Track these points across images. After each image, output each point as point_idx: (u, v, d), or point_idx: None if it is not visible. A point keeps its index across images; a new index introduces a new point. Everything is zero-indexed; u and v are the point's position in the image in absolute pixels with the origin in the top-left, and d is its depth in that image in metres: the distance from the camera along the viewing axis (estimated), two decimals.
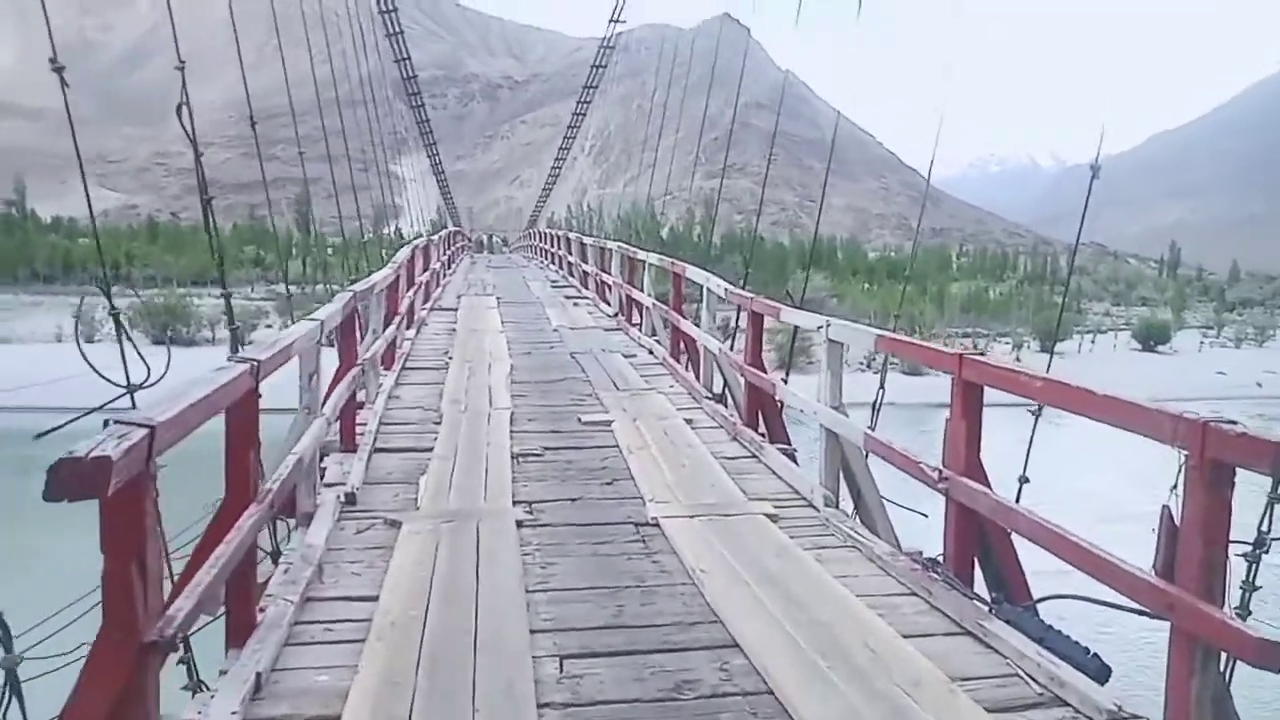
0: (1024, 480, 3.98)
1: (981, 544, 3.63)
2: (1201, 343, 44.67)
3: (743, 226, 71.69)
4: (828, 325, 4.81)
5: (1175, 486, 2.47)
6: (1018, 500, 3.55)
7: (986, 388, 3.50)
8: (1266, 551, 2.51)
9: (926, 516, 4.39)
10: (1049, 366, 5.12)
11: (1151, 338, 42.54)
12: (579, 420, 6.60)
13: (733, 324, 8.46)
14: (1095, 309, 54.56)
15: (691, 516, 4.51)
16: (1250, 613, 2.58)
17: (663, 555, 4.06)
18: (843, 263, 63.05)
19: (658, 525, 4.40)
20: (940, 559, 3.73)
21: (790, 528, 4.46)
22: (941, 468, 3.67)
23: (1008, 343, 38.68)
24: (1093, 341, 41.67)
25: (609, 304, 13.52)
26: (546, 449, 5.78)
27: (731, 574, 3.78)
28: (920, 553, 4.59)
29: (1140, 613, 2.63)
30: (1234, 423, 2.31)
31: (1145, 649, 7.30)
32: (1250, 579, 2.57)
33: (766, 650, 3.09)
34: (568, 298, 15.99)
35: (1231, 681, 2.49)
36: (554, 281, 19.74)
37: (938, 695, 2.80)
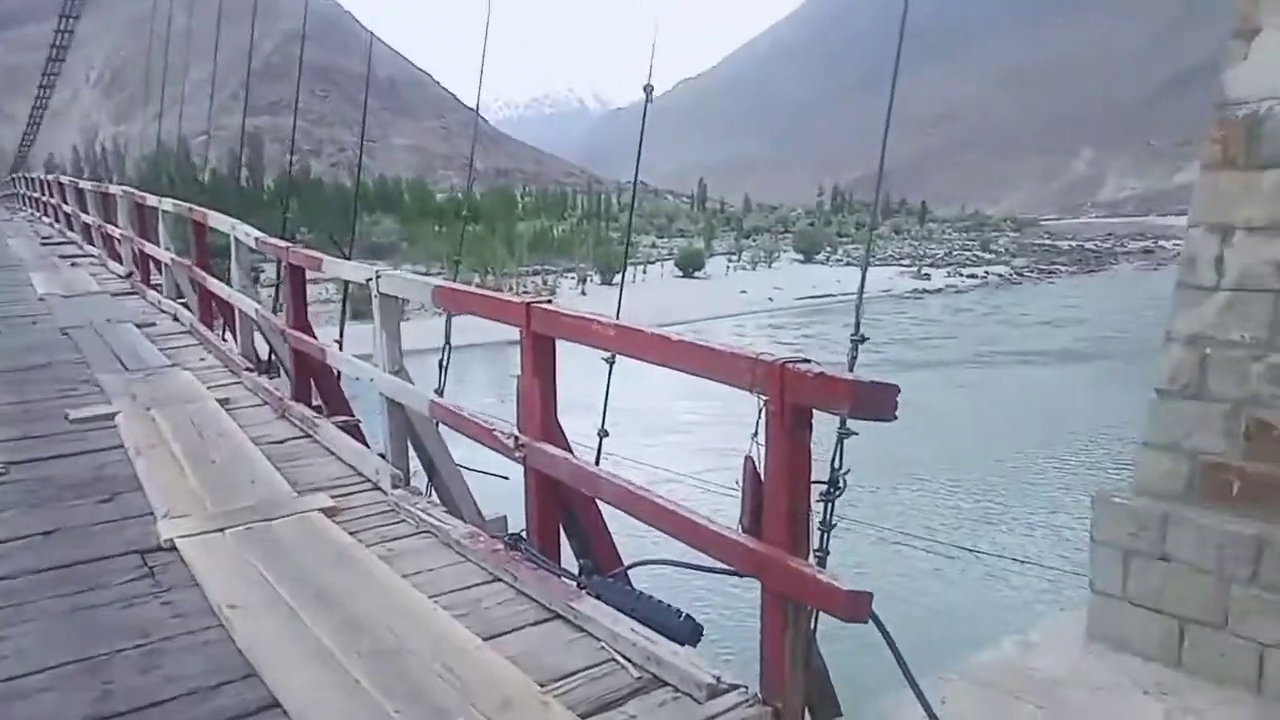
0: (603, 434, 3.74)
1: (566, 511, 3.29)
2: (728, 267, 51.47)
3: (298, 168, 66.30)
4: (377, 277, 4.09)
5: (755, 434, 2.26)
6: (597, 463, 3.27)
7: (559, 339, 3.13)
8: (841, 491, 2.44)
9: (508, 479, 3.98)
10: (620, 303, 4.99)
11: (690, 265, 47.95)
12: (66, 418, 5.10)
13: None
14: (643, 241, 60.10)
15: (222, 530, 3.57)
16: (828, 553, 2.51)
17: (179, 591, 3.11)
18: (411, 205, 61.56)
19: (174, 549, 3.40)
20: (524, 534, 3.32)
21: (352, 521, 3.76)
22: (518, 433, 3.23)
23: (574, 277, 40.90)
24: (644, 272, 45.77)
25: (120, 263, 11.22)
26: (11, 465, 4.32)
27: (273, 603, 2.98)
28: (504, 520, 4.19)
29: (732, 573, 2.43)
30: (808, 361, 2.13)
31: (738, 596, 7.73)
32: (827, 519, 2.50)
33: (316, 706, 2.40)
34: (64, 257, 13.09)
35: (816, 630, 2.40)
36: (46, 238, 16.19)
37: (530, 713, 2.37)
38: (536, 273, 41.00)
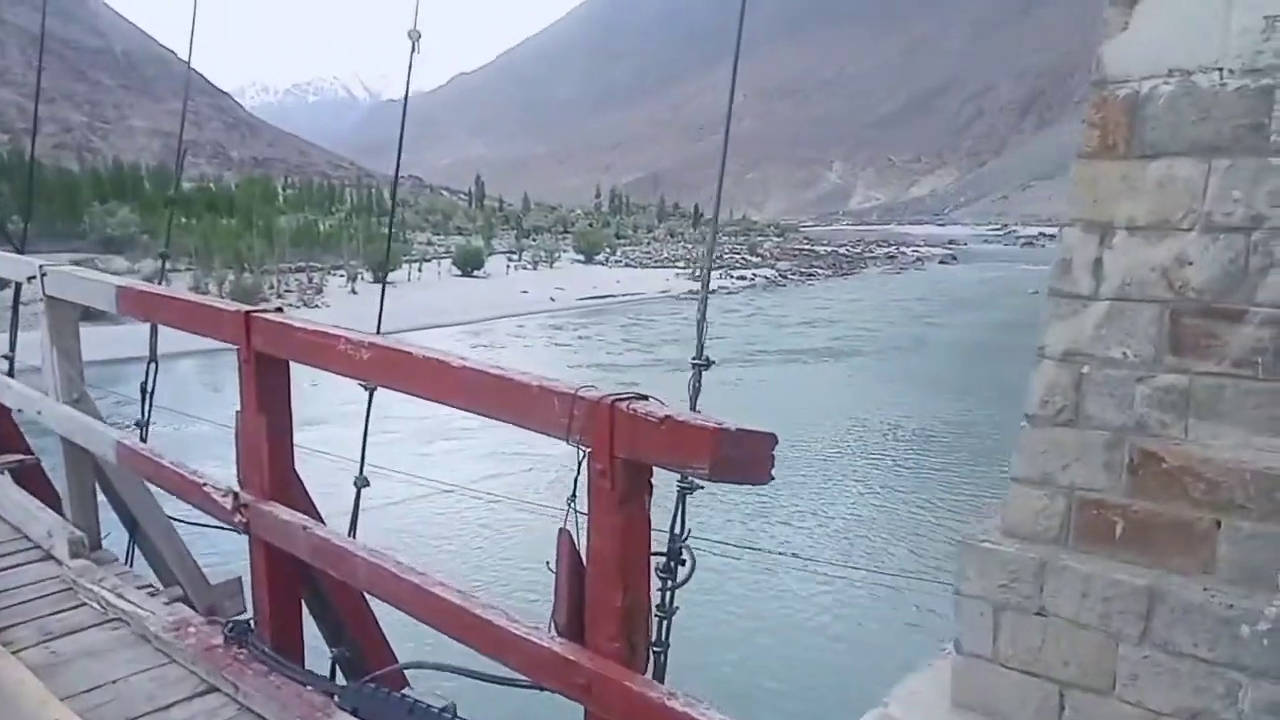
0: (362, 484, 2.95)
1: (310, 588, 2.48)
2: (508, 266, 50.54)
3: (9, 149, 57.71)
4: (42, 275, 3.04)
5: (573, 497, 1.62)
6: (353, 528, 2.50)
7: (294, 362, 2.31)
8: (687, 569, 1.85)
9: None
10: (381, 298, 4.16)
11: (469, 264, 46.55)
12: None
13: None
14: (419, 239, 57.77)
15: None
16: (668, 647, 1.92)
17: None
18: (153, 194, 55.28)
19: None
20: (253, 623, 2.47)
21: (6, 611, 2.73)
22: (238, 489, 2.38)
23: (343, 274, 38.35)
24: (419, 270, 43.87)
25: None
26: None
27: None
28: (239, 584, 3.29)
29: (542, 689, 1.76)
30: (645, 398, 1.52)
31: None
32: (667, 604, 1.90)
33: None
34: None
35: None
36: None
37: None
38: (301, 269, 37.99)
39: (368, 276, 39.49)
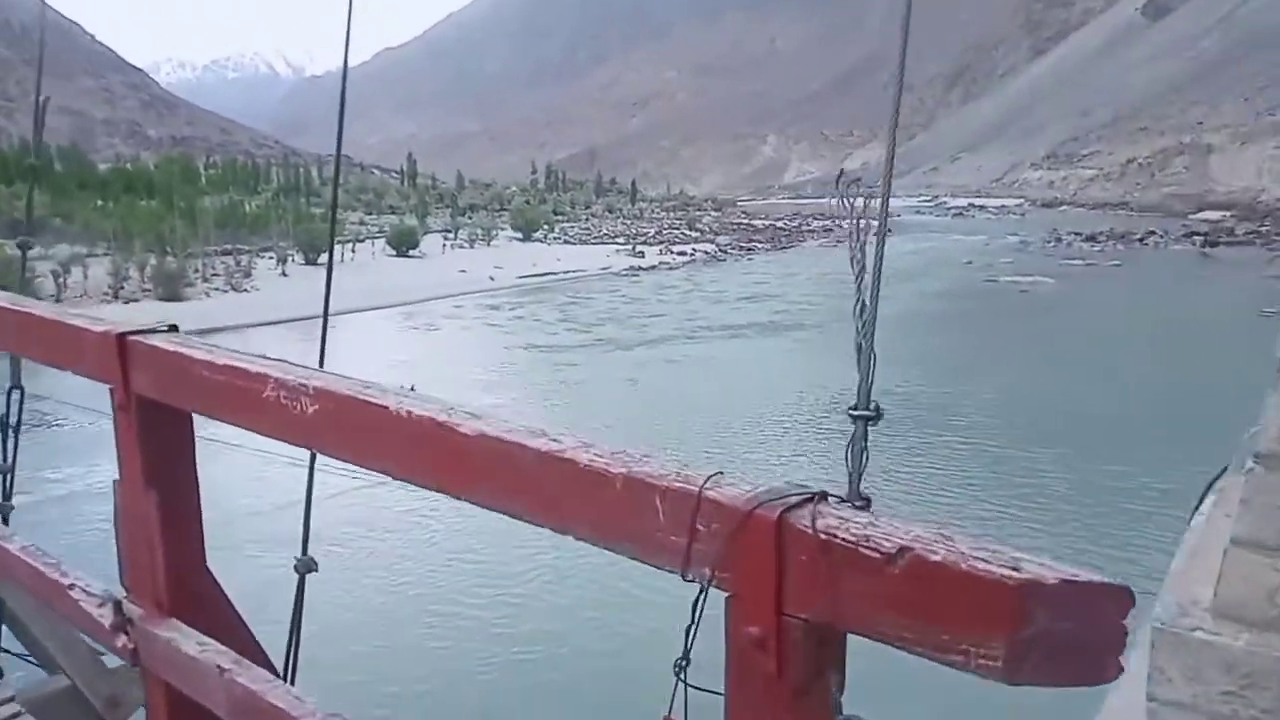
0: (306, 568, 2.19)
1: None
2: (444, 245, 49.63)
3: None
4: None
5: (685, 663, 0.98)
6: (292, 656, 2.05)
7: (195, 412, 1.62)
8: None
9: None
10: (329, 285, 3.87)
11: (403, 243, 45.56)
12: None
13: None
14: (351, 219, 56.31)
15: None
16: None
17: None
18: (64, 176, 52.71)
19: None
20: None
21: None
22: (122, 597, 1.70)
23: (272, 257, 37.16)
24: (353, 250, 42.77)
25: None
26: None
27: None
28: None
29: None
30: (825, 496, 0.92)
31: None
32: None
33: None
34: None
35: None
36: None
37: None
38: (227, 252, 36.66)
39: (298, 259, 38.34)
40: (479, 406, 1.18)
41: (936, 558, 0.79)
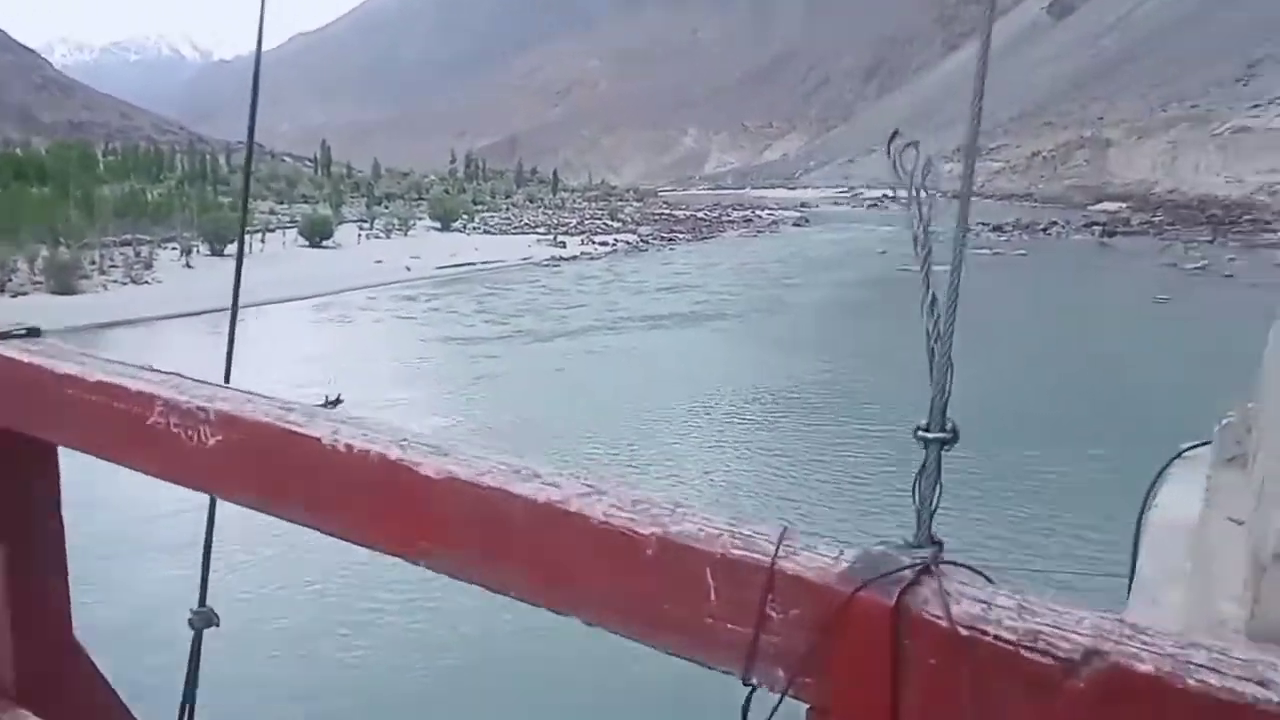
0: (202, 624, 1.53)
1: None
2: (359, 235, 48.38)
3: None
4: None
5: None
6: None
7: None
8: None
9: None
10: (239, 277, 3.67)
11: (316, 233, 44.21)
12: None
13: None
14: (261, 208, 54.36)
15: None
16: None
17: None
18: None
19: None
20: None
21: None
22: None
23: (175, 248, 35.61)
24: (263, 241, 41.34)
25: None
26: None
27: None
28: None
29: None
30: (955, 564, 0.67)
31: None
32: None
33: None
34: None
35: None
36: None
37: None
38: (127, 243, 34.97)
39: (204, 249, 36.86)
40: (386, 412, 0.97)
41: (1144, 667, 0.54)
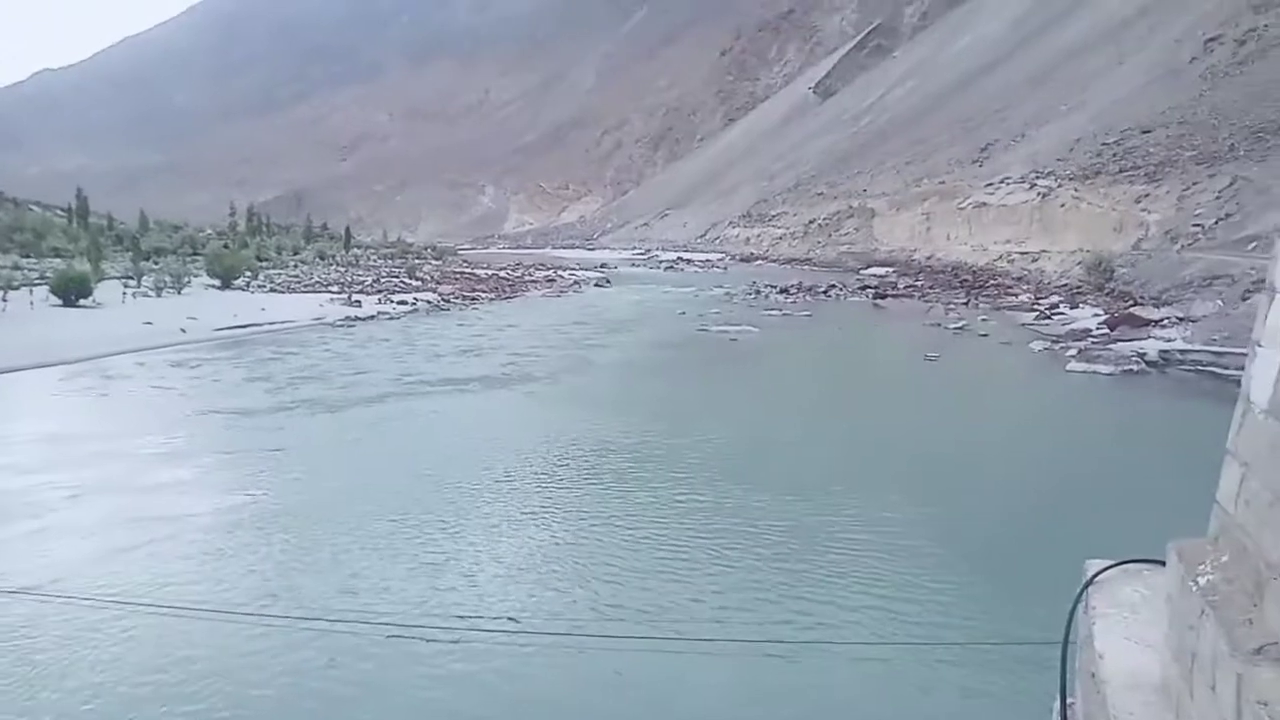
0: None
1: None
2: (124, 293, 43.94)
3: None
4: None
5: None
6: None
7: None
8: None
9: None
10: None
11: (72, 291, 39.68)
12: None
13: None
14: (3, 262, 48.19)
15: None
16: None
17: None
18: None
19: None
20: None
21: None
22: None
23: None
24: (4, 299, 36.56)
25: None
26: None
27: None
28: None
29: None
30: None
31: None
32: None
33: None
34: None
35: None
36: None
37: None
38: None
39: None
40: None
41: None
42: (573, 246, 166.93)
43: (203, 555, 11.35)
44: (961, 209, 74.50)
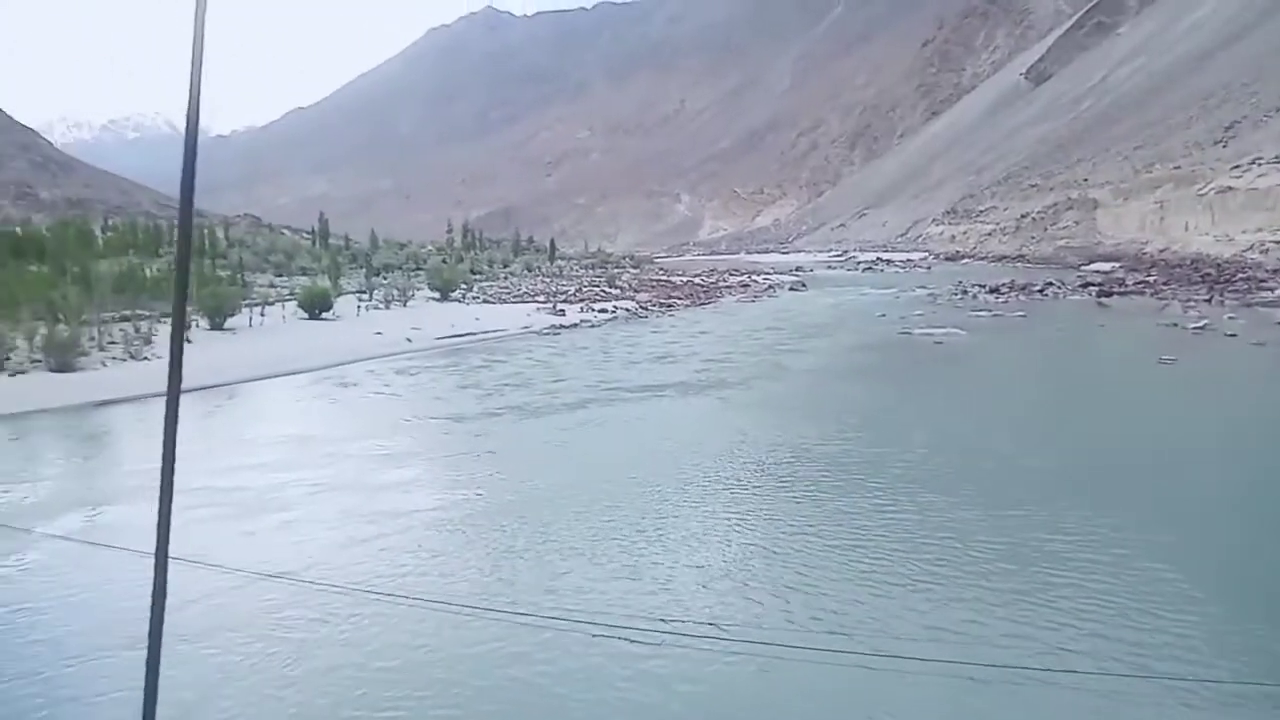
0: None
1: None
2: (359, 306, 48.36)
3: None
4: None
5: None
6: None
7: None
8: None
9: None
10: (177, 360, 3.41)
11: (316, 305, 44.17)
12: None
13: None
14: (260, 281, 54.49)
15: None
16: None
17: None
18: None
19: None
20: None
21: None
22: None
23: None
24: (262, 314, 41.25)
25: None
26: None
27: None
28: None
29: None
30: None
31: None
32: None
33: None
34: None
35: None
36: None
37: None
38: (126, 318, 34.80)
39: (203, 323, 36.74)
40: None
41: None
42: (767, 251, 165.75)
43: (428, 549, 12.27)
44: (1202, 195, 67.12)
